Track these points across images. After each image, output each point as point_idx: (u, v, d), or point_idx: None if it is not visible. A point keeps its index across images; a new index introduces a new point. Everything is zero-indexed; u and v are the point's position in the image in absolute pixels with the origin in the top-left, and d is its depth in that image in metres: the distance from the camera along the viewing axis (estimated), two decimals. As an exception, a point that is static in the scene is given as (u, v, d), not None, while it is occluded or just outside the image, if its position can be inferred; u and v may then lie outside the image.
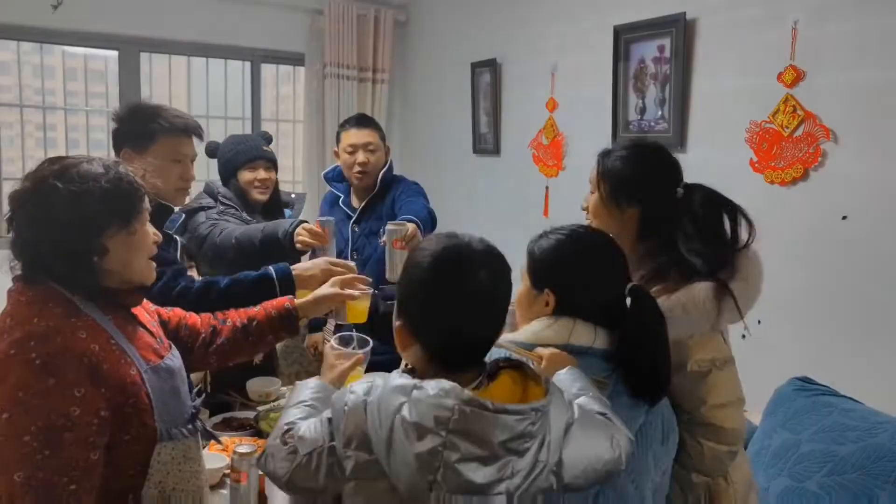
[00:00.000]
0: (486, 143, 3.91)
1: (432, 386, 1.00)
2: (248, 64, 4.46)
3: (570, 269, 1.31)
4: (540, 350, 1.24)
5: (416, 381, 1.02)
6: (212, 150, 2.63)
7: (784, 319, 2.28)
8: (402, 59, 4.67)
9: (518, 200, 3.66)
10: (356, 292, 1.74)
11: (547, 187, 3.43)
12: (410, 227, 2.22)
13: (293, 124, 4.78)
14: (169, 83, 4.40)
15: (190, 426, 1.30)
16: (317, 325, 3.02)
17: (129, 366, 1.21)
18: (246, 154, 2.53)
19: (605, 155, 1.56)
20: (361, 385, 1.05)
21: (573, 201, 3.21)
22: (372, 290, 1.82)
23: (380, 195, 2.70)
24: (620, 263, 1.33)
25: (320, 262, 1.89)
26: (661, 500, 1.31)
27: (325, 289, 1.72)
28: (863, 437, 1.79)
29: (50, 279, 1.20)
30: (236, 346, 1.60)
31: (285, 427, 1.13)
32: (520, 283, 1.39)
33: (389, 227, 2.22)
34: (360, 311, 1.81)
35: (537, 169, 3.48)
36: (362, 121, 2.75)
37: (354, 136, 2.69)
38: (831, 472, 1.77)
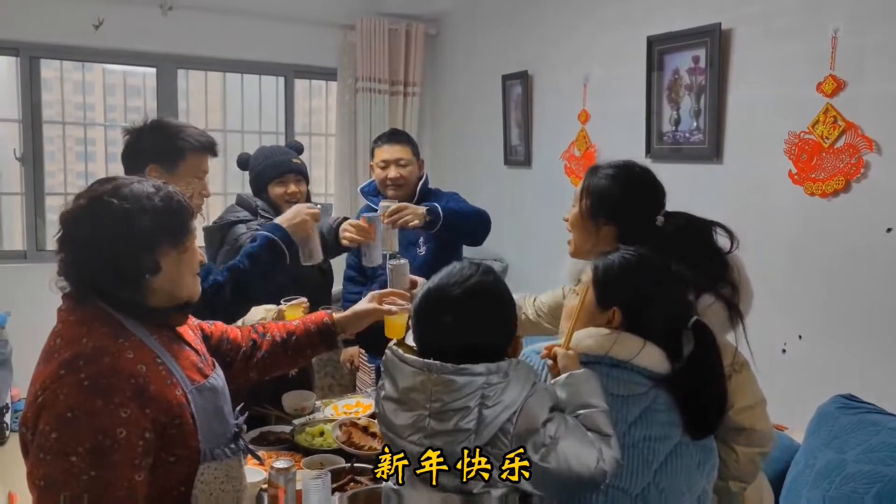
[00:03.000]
0: (518, 155, 3.91)
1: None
2: (281, 79, 4.53)
3: (638, 288, 1.33)
4: (556, 348, 1.29)
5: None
6: (243, 162, 2.63)
7: (826, 335, 2.23)
8: (434, 72, 4.69)
9: (550, 212, 3.63)
10: (395, 307, 1.75)
11: (580, 199, 3.40)
12: (397, 204, 2.32)
13: (325, 138, 4.83)
14: (205, 98, 4.48)
15: (233, 445, 1.30)
16: (351, 339, 3.02)
17: (175, 386, 1.22)
18: (276, 168, 2.51)
19: (592, 171, 1.61)
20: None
21: (606, 213, 3.19)
22: (410, 306, 1.82)
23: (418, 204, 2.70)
24: (682, 288, 1.36)
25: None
26: None
27: (364, 304, 1.74)
28: (912, 458, 1.73)
29: (99, 298, 1.22)
30: (276, 359, 1.62)
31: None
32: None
33: (381, 203, 2.34)
34: (398, 326, 1.82)
35: (569, 181, 3.46)
36: (394, 136, 2.80)
37: (387, 151, 2.73)
38: (880, 494, 1.71)
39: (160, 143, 1.83)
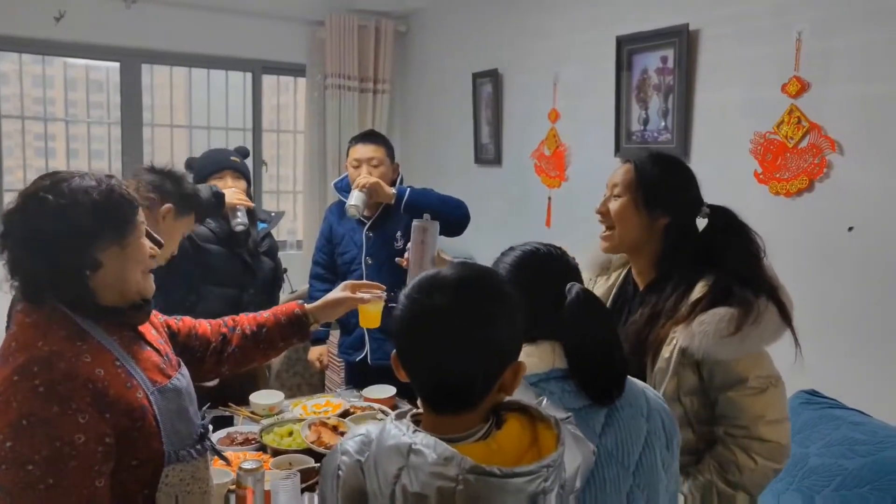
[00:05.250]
0: (488, 154, 3.91)
1: (429, 450, 0.91)
2: (249, 75, 4.46)
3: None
4: None
5: (410, 437, 0.94)
6: (189, 165, 2.71)
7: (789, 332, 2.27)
8: (403, 69, 4.67)
9: (520, 211, 3.66)
10: (367, 296, 1.74)
11: (549, 198, 3.42)
12: (372, 181, 2.60)
13: (294, 135, 4.78)
14: (170, 94, 4.40)
15: (198, 447, 1.28)
16: (319, 338, 3.01)
17: (136, 389, 1.19)
18: (214, 164, 2.61)
19: (640, 159, 1.57)
20: (353, 442, 1.00)
21: (575, 212, 3.23)
22: (384, 295, 1.82)
23: (394, 205, 2.72)
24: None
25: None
26: (675, 499, 1.28)
27: (337, 292, 1.73)
28: (872, 452, 1.77)
29: (46, 297, 1.18)
30: (247, 353, 1.60)
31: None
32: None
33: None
34: (373, 315, 1.82)
35: (539, 179, 3.48)
36: (369, 136, 2.85)
37: (360, 150, 2.78)
38: (840, 487, 1.76)
39: (180, 192, 1.98)
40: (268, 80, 4.58)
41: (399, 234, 2.77)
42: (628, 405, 1.16)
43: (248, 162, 2.81)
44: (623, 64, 2.91)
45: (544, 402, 1.06)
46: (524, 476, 0.91)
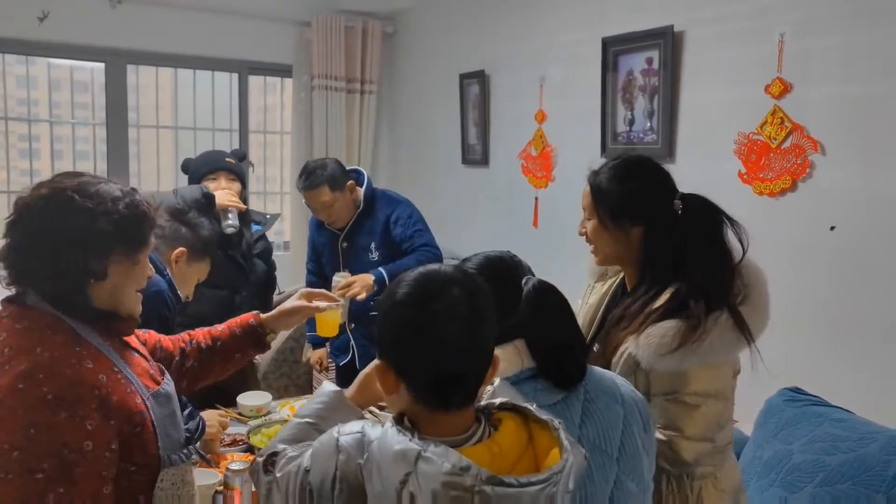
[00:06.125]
0: (475, 154, 3.92)
1: (440, 458, 0.90)
2: (235, 76, 4.45)
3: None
4: None
5: (418, 444, 0.93)
6: (185, 167, 2.70)
7: (773, 330, 2.29)
8: (391, 70, 4.68)
9: (507, 211, 3.67)
10: (323, 304, 1.69)
11: (536, 198, 3.44)
12: (347, 279, 2.54)
13: (281, 136, 4.77)
14: (156, 95, 4.38)
15: (185, 451, 1.28)
16: (319, 342, 3.01)
17: (135, 395, 1.18)
18: (208, 164, 2.60)
19: (594, 176, 1.53)
20: (351, 440, 0.97)
21: (562, 212, 3.25)
22: (342, 303, 1.81)
23: (365, 212, 2.73)
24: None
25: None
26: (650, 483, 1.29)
27: (293, 301, 1.68)
28: (853, 448, 1.79)
29: (35, 294, 1.16)
30: (205, 367, 1.56)
31: (274, 449, 1.08)
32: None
33: (334, 277, 2.55)
34: (330, 323, 1.80)
35: (526, 180, 3.49)
36: (308, 181, 2.66)
37: (308, 197, 2.69)
38: (823, 483, 1.78)
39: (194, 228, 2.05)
40: (254, 81, 4.57)
41: (373, 245, 2.74)
42: (603, 394, 1.18)
43: (244, 165, 2.80)
44: (609, 65, 2.93)
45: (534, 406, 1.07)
46: (538, 485, 0.92)
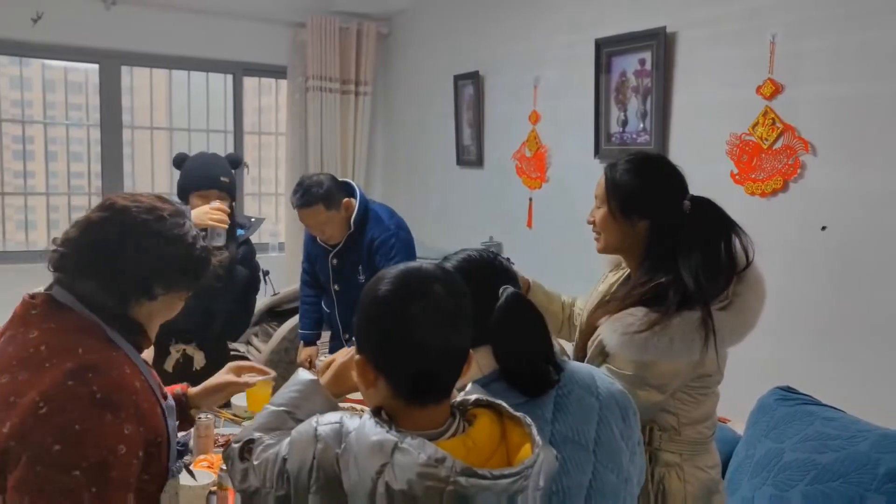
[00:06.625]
0: (470, 155, 3.93)
1: (417, 450, 0.92)
2: (230, 77, 4.45)
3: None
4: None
5: (395, 435, 0.95)
6: (178, 162, 2.58)
7: (765, 329, 2.30)
8: (385, 71, 4.68)
9: (502, 212, 3.68)
10: (253, 379, 1.61)
11: (530, 199, 3.45)
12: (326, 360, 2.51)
13: (275, 137, 4.77)
14: (150, 96, 4.38)
15: (179, 462, 1.29)
16: (308, 340, 3.01)
17: (156, 405, 1.19)
18: (201, 182, 2.46)
19: (611, 168, 1.58)
20: (329, 430, 0.98)
21: (556, 213, 3.26)
22: (273, 375, 1.68)
23: (357, 231, 2.70)
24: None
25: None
26: (642, 473, 1.30)
27: (220, 376, 1.59)
28: (844, 446, 1.80)
29: (69, 292, 1.16)
30: None
31: (250, 437, 1.10)
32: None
33: (316, 361, 2.55)
34: (261, 398, 1.72)
35: (520, 181, 3.50)
36: (303, 199, 2.61)
37: (302, 216, 2.66)
38: (814, 481, 1.79)
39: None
40: (249, 82, 4.57)
41: (361, 267, 2.71)
42: (577, 387, 1.19)
43: (240, 170, 2.73)
44: (602, 66, 2.94)
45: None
46: (510, 477, 0.94)
